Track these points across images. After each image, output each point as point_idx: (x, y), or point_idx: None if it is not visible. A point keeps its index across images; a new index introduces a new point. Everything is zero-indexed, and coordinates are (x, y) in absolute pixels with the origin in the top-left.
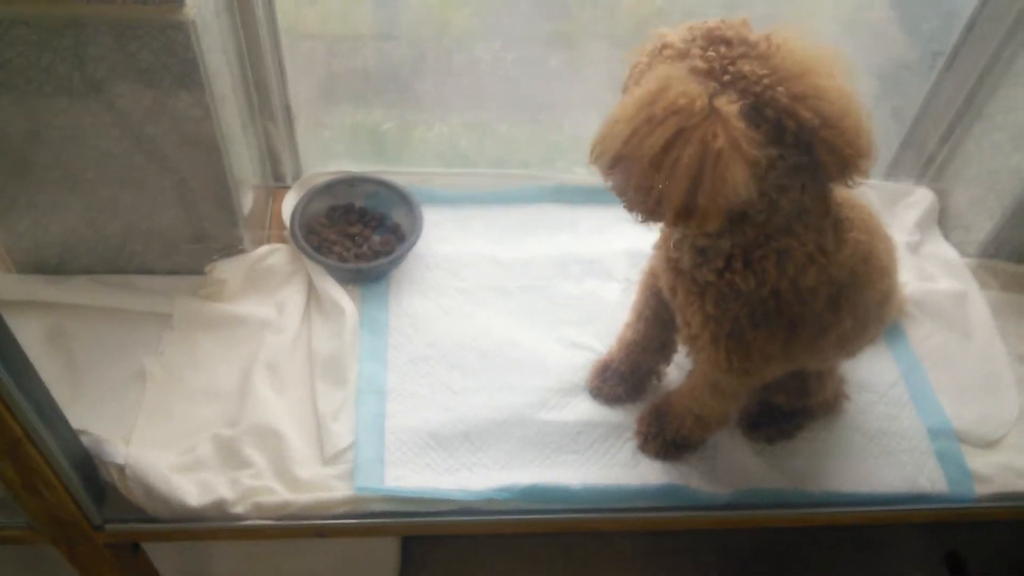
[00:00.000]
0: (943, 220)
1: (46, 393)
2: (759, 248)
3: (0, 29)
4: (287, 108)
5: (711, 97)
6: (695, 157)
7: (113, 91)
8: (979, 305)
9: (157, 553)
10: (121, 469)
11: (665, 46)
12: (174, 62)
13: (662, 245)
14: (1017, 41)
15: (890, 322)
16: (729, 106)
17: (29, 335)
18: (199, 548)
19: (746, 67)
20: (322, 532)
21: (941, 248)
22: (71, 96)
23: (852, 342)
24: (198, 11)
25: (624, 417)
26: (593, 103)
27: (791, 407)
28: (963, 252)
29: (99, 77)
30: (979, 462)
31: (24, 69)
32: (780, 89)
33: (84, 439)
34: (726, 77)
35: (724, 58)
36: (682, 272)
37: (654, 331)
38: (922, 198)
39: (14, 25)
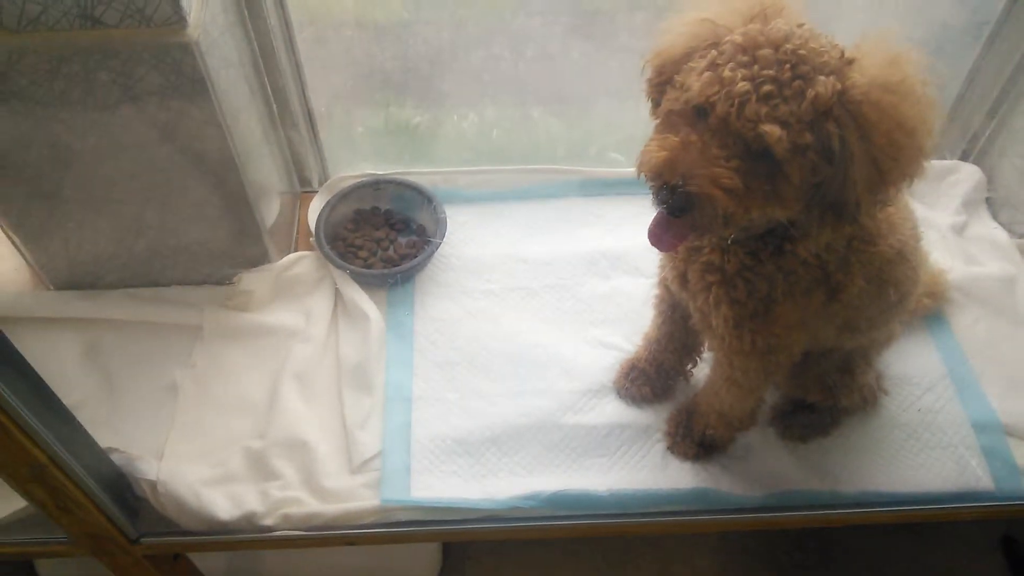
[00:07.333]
0: (991, 199)
1: (69, 418)
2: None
3: (12, 59)
4: (309, 114)
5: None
6: None
7: (126, 113)
8: None
9: (203, 553)
10: (153, 485)
11: (717, 44)
12: (182, 82)
13: None
14: None
15: (910, 306)
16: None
17: (68, 351)
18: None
19: (820, 89)
20: (352, 541)
21: (989, 229)
22: (87, 120)
23: (861, 312)
24: (203, 30)
25: (653, 418)
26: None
27: (825, 405)
28: (1012, 232)
29: (111, 101)
30: None
31: (40, 96)
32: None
33: (115, 457)
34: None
35: (796, 77)
36: (694, 260)
37: (675, 328)
38: (969, 175)
39: (24, 54)
